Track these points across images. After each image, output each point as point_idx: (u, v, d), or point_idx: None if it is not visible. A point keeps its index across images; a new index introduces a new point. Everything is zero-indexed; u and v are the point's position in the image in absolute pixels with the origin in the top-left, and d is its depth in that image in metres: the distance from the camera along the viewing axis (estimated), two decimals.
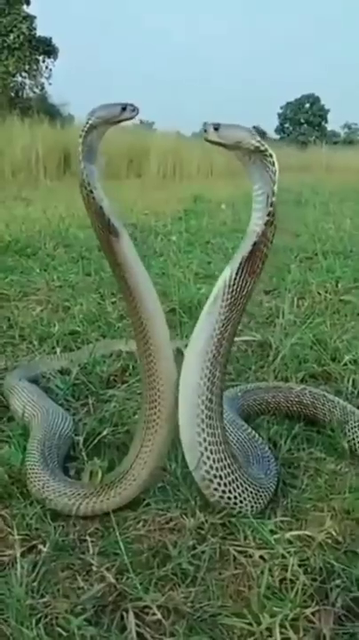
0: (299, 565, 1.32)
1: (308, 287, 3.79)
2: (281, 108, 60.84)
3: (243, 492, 1.49)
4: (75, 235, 5.69)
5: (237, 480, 1.49)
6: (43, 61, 30.94)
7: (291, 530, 1.46)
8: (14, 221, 6.19)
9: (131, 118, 1.46)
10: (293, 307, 3.32)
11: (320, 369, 2.49)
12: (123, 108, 1.43)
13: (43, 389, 2.21)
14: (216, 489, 1.47)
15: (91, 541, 1.43)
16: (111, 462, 1.67)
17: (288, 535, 1.43)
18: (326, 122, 59.63)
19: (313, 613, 1.21)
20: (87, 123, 1.43)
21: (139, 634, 1.18)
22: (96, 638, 1.15)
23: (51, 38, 30.79)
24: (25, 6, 29.83)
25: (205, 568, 1.34)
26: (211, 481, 1.47)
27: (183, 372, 1.49)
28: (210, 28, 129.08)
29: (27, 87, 31.16)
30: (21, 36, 28.90)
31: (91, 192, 1.44)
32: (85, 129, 1.44)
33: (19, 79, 30.84)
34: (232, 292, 1.46)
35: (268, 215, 1.44)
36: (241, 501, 1.49)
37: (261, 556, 1.37)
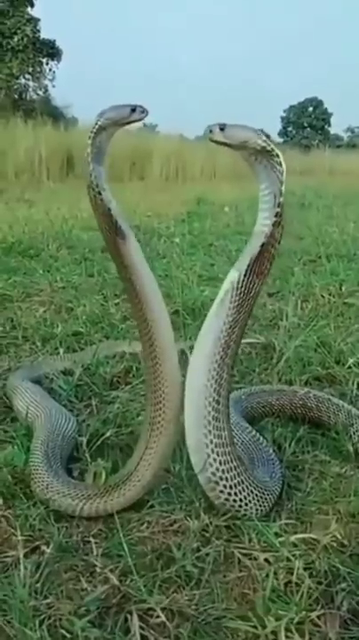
0: (305, 569, 1.31)
1: (312, 290, 3.79)
2: (284, 111, 60.94)
3: (248, 494, 1.48)
4: (79, 236, 5.69)
5: (243, 483, 1.48)
6: (47, 64, 31.05)
7: (296, 533, 1.45)
8: (17, 223, 6.20)
9: (140, 120, 1.45)
10: (297, 309, 3.32)
11: (324, 371, 2.48)
12: (133, 110, 1.43)
13: (46, 390, 2.20)
14: (221, 491, 1.46)
15: (95, 543, 1.42)
16: (115, 463, 1.66)
17: (293, 538, 1.42)
18: (329, 125, 59.68)
19: (318, 617, 1.20)
20: (96, 124, 1.42)
21: (142, 636, 1.17)
22: None
23: (54, 41, 30.91)
24: (29, 8, 29.93)
25: (210, 570, 1.33)
26: (216, 483, 1.46)
27: (189, 374, 1.48)
28: (213, 31, 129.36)
29: (30, 89, 31.28)
30: (25, 39, 28.97)
31: (100, 193, 1.43)
32: (94, 130, 1.43)
33: (23, 81, 30.95)
34: (240, 293, 1.45)
35: (276, 216, 1.43)
36: (246, 504, 1.48)
37: (266, 559, 1.36)
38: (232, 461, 1.46)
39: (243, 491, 1.48)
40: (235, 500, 1.47)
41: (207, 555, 1.37)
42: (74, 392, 2.24)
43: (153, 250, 5.08)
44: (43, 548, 1.40)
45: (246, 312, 1.47)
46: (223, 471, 1.45)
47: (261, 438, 1.80)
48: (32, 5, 30.03)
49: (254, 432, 1.82)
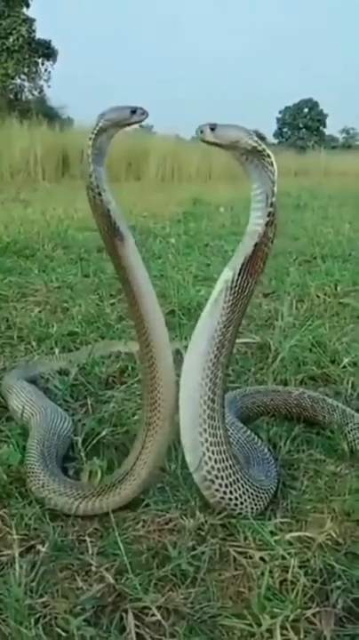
0: (300, 567, 1.31)
1: (307, 290, 3.79)
2: (279, 112, 61.05)
3: (243, 493, 1.48)
4: (74, 236, 5.69)
5: (238, 481, 1.48)
6: (43, 64, 31.05)
7: (291, 531, 1.46)
8: (13, 223, 6.19)
9: (140, 121, 1.46)
10: (292, 309, 3.32)
11: (319, 371, 2.48)
12: (133, 111, 1.43)
13: (41, 390, 2.20)
14: (217, 490, 1.46)
15: (91, 542, 1.42)
16: (110, 462, 1.66)
17: (288, 536, 1.42)
18: (325, 126, 59.84)
19: (314, 615, 1.20)
20: (97, 125, 1.42)
21: (138, 635, 1.17)
22: (95, 639, 1.14)
23: (50, 41, 30.90)
24: (24, 9, 29.91)
25: (205, 569, 1.33)
26: (212, 482, 1.46)
27: (184, 373, 1.49)
28: (209, 32, 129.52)
29: (26, 90, 31.27)
30: (21, 39, 28.96)
31: (100, 194, 1.43)
32: (95, 131, 1.43)
33: (19, 81, 30.92)
34: (234, 292, 1.46)
35: (269, 215, 1.43)
36: (241, 502, 1.48)
37: (261, 558, 1.36)
38: (227, 460, 1.46)
39: (239, 489, 1.48)
40: (230, 499, 1.47)
41: (202, 553, 1.37)
42: (69, 392, 2.24)
43: (149, 250, 5.08)
44: (39, 546, 1.40)
45: (240, 311, 1.47)
46: (218, 470, 1.46)
47: (256, 438, 1.80)
48: (27, 6, 30.03)
49: (249, 432, 1.82)
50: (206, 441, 1.45)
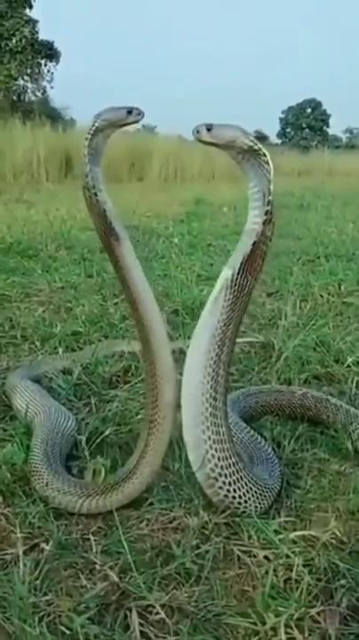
0: (304, 565, 1.31)
1: (311, 289, 3.79)
2: (282, 112, 61.02)
3: (247, 491, 1.48)
4: (77, 237, 5.69)
5: (242, 479, 1.48)
6: (45, 65, 31.04)
7: (295, 530, 1.45)
8: (16, 223, 6.20)
9: (136, 122, 1.47)
10: (296, 309, 3.32)
11: (323, 370, 2.48)
12: (129, 112, 1.44)
13: (45, 389, 2.20)
14: (221, 487, 1.46)
15: (95, 540, 1.42)
16: (114, 461, 1.66)
17: (292, 535, 1.42)
18: (328, 126, 59.79)
19: (318, 613, 1.20)
20: (93, 125, 1.43)
21: (142, 633, 1.17)
22: (99, 637, 1.14)
23: (53, 42, 30.91)
24: (27, 10, 29.93)
25: (209, 567, 1.33)
26: (215, 479, 1.46)
27: (186, 371, 1.49)
28: (212, 34, 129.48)
29: (29, 91, 31.29)
30: (24, 40, 28.98)
31: (96, 194, 1.44)
32: (91, 132, 1.44)
33: (22, 83, 30.95)
34: (234, 291, 1.46)
35: (266, 214, 1.44)
36: (245, 501, 1.48)
37: (266, 556, 1.36)
38: (231, 457, 1.46)
39: (243, 487, 1.48)
40: (234, 497, 1.47)
41: (206, 552, 1.37)
42: (73, 391, 2.24)
43: (152, 250, 5.08)
44: (43, 545, 1.40)
45: (240, 309, 1.48)
46: (222, 467, 1.46)
47: (260, 438, 1.80)
48: (30, 7, 30.05)
49: (253, 432, 1.82)
50: (209, 438, 1.45)
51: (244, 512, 1.48)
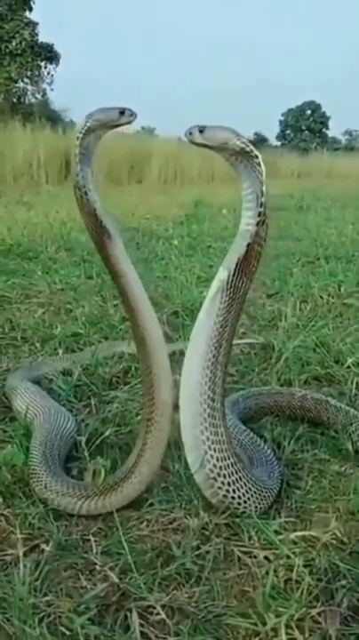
0: (305, 566, 1.31)
1: (311, 291, 3.79)
2: (282, 114, 61.14)
3: (247, 491, 1.48)
4: (77, 238, 5.69)
5: (241, 480, 1.48)
6: (45, 67, 31.08)
7: (295, 530, 1.45)
8: (16, 225, 6.20)
9: (128, 123, 1.46)
10: (296, 310, 3.32)
11: (323, 371, 2.48)
12: (121, 112, 1.44)
13: (45, 390, 2.20)
14: (219, 487, 1.46)
15: (95, 541, 1.42)
16: (114, 462, 1.66)
17: (293, 536, 1.42)
18: (327, 128, 59.91)
19: (319, 614, 1.20)
20: (85, 125, 1.44)
21: (142, 634, 1.16)
22: (100, 638, 1.14)
23: (53, 44, 30.95)
24: (27, 12, 29.99)
25: (209, 568, 1.33)
26: (214, 479, 1.46)
27: (184, 373, 1.49)
28: (212, 36, 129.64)
29: (29, 93, 31.32)
30: (23, 43, 29.02)
31: (86, 194, 1.45)
32: (82, 132, 1.44)
33: (22, 85, 30.99)
34: (229, 293, 1.46)
35: (259, 215, 1.44)
36: (244, 501, 1.48)
37: (266, 557, 1.36)
38: (230, 458, 1.46)
39: (242, 487, 1.48)
40: (233, 497, 1.47)
41: (207, 552, 1.37)
42: (73, 392, 2.24)
43: (151, 252, 5.08)
44: (43, 546, 1.40)
45: (236, 311, 1.48)
46: (221, 467, 1.45)
47: (259, 440, 1.80)
48: (30, 9, 30.11)
49: (252, 434, 1.82)
50: (207, 439, 1.45)
51: (244, 512, 1.48)
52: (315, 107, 59.21)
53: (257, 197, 1.43)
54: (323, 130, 59.50)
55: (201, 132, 1.39)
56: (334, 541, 1.41)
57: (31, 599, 1.21)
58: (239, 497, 1.47)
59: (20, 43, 28.95)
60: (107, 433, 1.86)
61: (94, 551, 1.39)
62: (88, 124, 1.43)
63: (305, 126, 58.89)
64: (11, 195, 10.15)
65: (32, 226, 6.28)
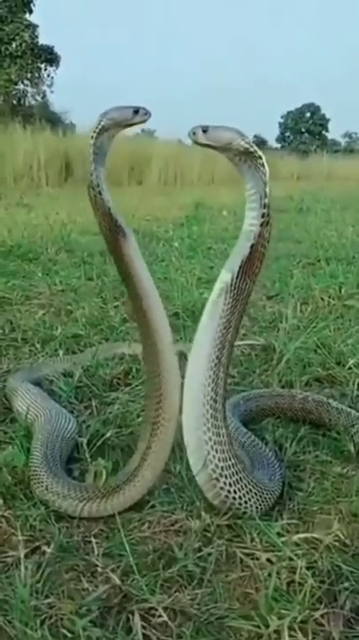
0: (307, 568, 1.30)
1: (311, 292, 3.78)
2: (281, 117, 61.20)
3: (248, 492, 1.47)
4: (77, 240, 5.69)
5: (242, 480, 1.47)
6: (45, 69, 31.11)
7: (298, 532, 1.44)
8: (16, 227, 6.20)
9: (142, 122, 1.44)
10: (297, 311, 3.32)
11: (325, 373, 2.47)
12: (136, 111, 1.42)
13: (46, 392, 2.19)
14: (222, 488, 1.45)
15: (96, 543, 1.41)
16: (115, 463, 1.65)
17: (295, 538, 1.41)
18: (327, 131, 59.97)
19: (322, 616, 1.19)
20: (99, 124, 1.41)
21: (145, 636, 1.16)
22: (102, 639, 1.13)
23: (53, 47, 31.00)
24: (27, 15, 30.02)
25: (212, 570, 1.32)
26: (217, 480, 1.45)
27: (188, 374, 1.49)
28: (211, 36, 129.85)
29: (29, 95, 31.34)
30: (24, 45, 29.05)
31: (100, 193, 1.43)
32: (96, 131, 1.42)
33: (22, 87, 31.00)
34: (233, 294, 1.46)
35: (263, 216, 1.43)
36: (246, 502, 1.47)
37: (268, 559, 1.35)
38: (230, 459, 1.46)
39: (243, 488, 1.47)
40: (234, 498, 1.46)
41: (209, 554, 1.36)
42: (74, 393, 2.24)
43: (152, 253, 5.08)
44: (44, 548, 1.39)
45: (239, 312, 1.48)
46: (222, 468, 1.45)
47: (261, 443, 1.80)
48: (30, 12, 30.15)
49: (254, 437, 1.81)
50: (210, 439, 1.44)
51: (245, 512, 1.47)
52: (314, 109, 59.28)
53: (260, 198, 1.42)
54: (323, 132, 59.57)
55: (204, 131, 1.38)
56: (337, 543, 1.41)
57: (32, 601, 1.20)
58: (240, 497, 1.47)
59: (21, 45, 28.98)
60: (108, 434, 1.85)
61: (96, 553, 1.38)
62: (102, 123, 1.41)
63: (304, 128, 58.96)
64: (11, 196, 10.15)
65: (32, 227, 6.29)
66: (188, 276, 4.10)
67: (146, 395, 1.55)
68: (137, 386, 2.30)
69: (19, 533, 1.42)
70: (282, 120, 60.92)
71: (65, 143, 15.08)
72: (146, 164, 15.86)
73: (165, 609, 1.21)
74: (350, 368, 2.49)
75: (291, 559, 1.33)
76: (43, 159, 13.90)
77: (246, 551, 1.38)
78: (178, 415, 1.50)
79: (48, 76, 31.32)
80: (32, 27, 29.77)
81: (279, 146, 55.33)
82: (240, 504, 1.47)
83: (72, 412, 2.05)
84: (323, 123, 59.27)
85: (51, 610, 1.20)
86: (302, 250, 5.44)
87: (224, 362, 1.46)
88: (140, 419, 2.01)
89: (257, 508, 1.49)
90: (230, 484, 1.46)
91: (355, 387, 2.34)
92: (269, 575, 1.28)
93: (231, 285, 1.45)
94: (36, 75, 30.60)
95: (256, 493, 1.49)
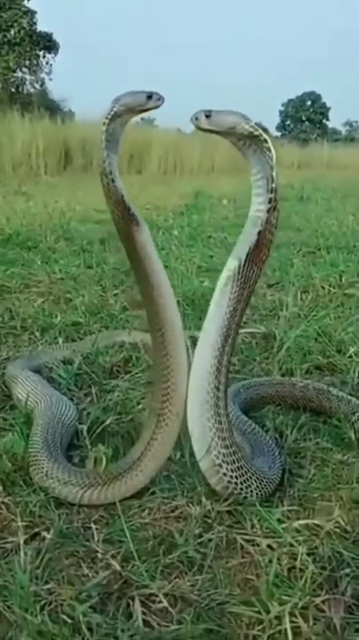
0: (308, 554, 1.30)
1: (312, 281, 3.77)
2: (282, 105, 60.76)
3: (249, 477, 1.47)
4: (77, 228, 5.67)
5: (243, 468, 1.47)
6: (44, 57, 30.82)
7: (298, 519, 1.44)
8: (15, 215, 6.17)
9: (156, 107, 1.41)
10: (297, 300, 3.31)
11: (325, 361, 2.46)
12: (149, 97, 1.39)
13: (45, 379, 2.18)
14: (225, 474, 1.45)
15: (96, 529, 1.41)
16: (115, 450, 1.65)
17: (296, 524, 1.41)
18: (327, 119, 59.54)
19: (323, 602, 1.19)
20: (111, 110, 1.38)
21: (145, 621, 1.15)
22: (102, 626, 1.13)
23: (51, 33, 30.67)
24: (25, 1, 29.70)
25: (212, 556, 1.32)
26: (220, 466, 1.45)
27: (194, 362, 1.48)
28: (209, 24, 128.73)
29: (27, 83, 31.06)
30: (22, 32, 28.76)
31: (113, 181, 1.40)
32: (109, 117, 1.38)
33: (20, 75, 30.72)
34: (240, 282, 1.44)
35: (270, 202, 1.41)
36: (248, 487, 1.47)
37: (269, 545, 1.35)
38: (231, 446, 1.46)
39: (245, 474, 1.47)
40: (236, 483, 1.46)
41: (209, 540, 1.36)
42: (73, 381, 2.23)
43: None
44: (44, 534, 1.39)
45: (245, 300, 1.47)
46: (224, 455, 1.45)
47: (261, 430, 1.79)
48: None
49: (254, 425, 1.81)
50: (213, 426, 1.44)
51: (246, 497, 1.47)
52: (315, 97, 58.86)
53: (267, 182, 1.40)
54: (323, 120, 59.17)
55: (207, 116, 1.35)
56: (337, 530, 1.41)
57: (32, 587, 1.20)
58: (242, 482, 1.46)
59: (19, 32, 28.69)
60: (108, 421, 1.85)
61: (96, 539, 1.37)
62: (115, 109, 1.37)
63: (305, 117, 58.55)
64: (9, 185, 10.10)
65: (31, 216, 6.26)
66: (188, 264, 4.08)
67: (153, 384, 1.54)
68: (137, 373, 2.29)
69: (19, 519, 1.42)
70: (282, 108, 60.55)
71: (64, 131, 14.99)
72: (145, 153, 15.78)
73: (166, 595, 1.21)
74: (351, 356, 2.49)
75: (291, 545, 1.33)
76: (42, 147, 13.82)
77: (247, 537, 1.38)
78: (184, 408, 1.49)
79: (47, 63, 31.05)
80: (30, 13, 29.46)
81: (279, 134, 55.00)
82: (241, 489, 1.47)
83: (72, 400, 2.04)
84: (323, 111, 58.86)
85: (51, 596, 1.19)
86: (303, 238, 5.42)
87: (228, 350, 1.46)
88: (141, 405, 2.00)
89: (256, 494, 1.48)
90: (232, 470, 1.45)
91: (356, 374, 2.33)
92: (270, 561, 1.28)
93: (238, 273, 1.43)
94: (35, 62, 30.32)
95: (257, 479, 1.49)
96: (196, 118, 1.36)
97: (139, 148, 15.54)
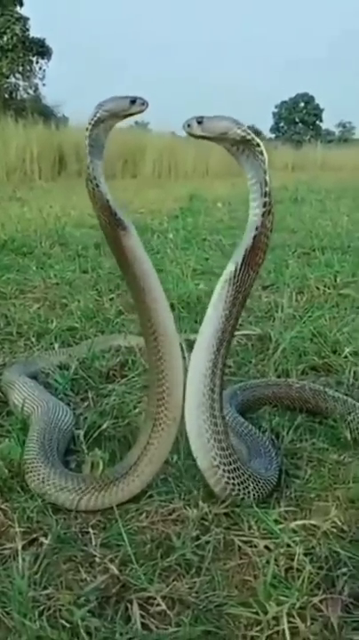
0: (305, 554, 1.30)
1: (307, 282, 3.78)
2: (275, 107, 60.92)
3: (246, 479, 1.48)
4: (72, 233, 5.68)
5: (240, 469, 1.48)
6: (37, 62, 30.84)
7: (295, 519, 1.45)
8: (9, 221, 6.18)
9: (140, 112, 1.41)
10: (292, 301, 3.32)
11: (321, 361, 2.47)
12: (132, 101, 1.39)
13: (42, 384, 2.18)
14: (222, 475, 1.46)
15: (94, 533, 1.41)
16: (112, 454, 1.66)
17: (293, 525, 1.42)
18: (321, 121, 59.71)
19: (320, 602, 1.19)
20: (94, 116, 1.38)
21: (143, 625, 1.16)
22: (100, 630, 1.13)
23: (44, 39, 30.71)
24: (18, 7, 29.74)
25: (210, 558, 1.32)
26: (218, 467, 1.45)
27: (191, 364, 1.49)
28: (203, 26, 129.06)
29: (20, 88, 31.08)
30: (15, 38, 28.79)
31: (97, 186, 1.41)
32: (92, 122, 1.38)
33: (13, 80, 30.73)
34: (235, 286, 1.45)
35: (264, 205, 1.42)
36: (245, 487, 1.47)
37: (266, 546, 1.36)
38: (228, 448, 1.47)
39: (242, 475, 1.47)
40: (234, 484, 1.46)
41: (207, 543, 1.37)
42: (70, 385, 2.23)
43: (147, 245, 5.04)
44: (42, 539, 1.39)
45: (241, 303, 1.47)
46: (221, 456, 1.45)
47: (257, 432, 1.80)
48: (21, 4, 29.85)
49: (251, 426, 1.81)
50: (209, 428, 1.45)
51: (243, 499, 1.47)
52: (308, 99, 59.01)
53: (261, 187, 1.41)
54: (317, 122, 59.34)
55: (199, 122, 1.36)
56: (334, 530, 1.41)
57: (30, 592, 1.20)
58: (239, 484, 1.47)
59: (12, 38, 28.72)
60: (104, 426, 1.85)
61: (94, 543, 1.38)
62: (98, 115, 1.38)
63: (298, 118, 58.70)
64: (4, 191, 10.10)
65: (26, 221, 6.26)
66: (183, 267, 4.09)
67: (149, 388, 1.54)
68: (133, 377, 2.29)
69: (17, 525, 1.42)
70: (276, 110, 60.70)
71: (58, 136, 14.99)
72: (140, 157, 15.81)
73: (164, 598, 1.21)
74: (346, 356, 2.50)
75: (288, 546, 1.33)
76: (36, 153, 13.83)
77: (244, 539, 1.39)
78: (182, 413, 1.49)
79: (40, 69, 31.08)
80: (23, 19, 29.50)
81: (273, 136, 55.14)
82: (239, 490, 1.47)
83: (68, 405, 2.04)
84: (316, 113, 59.02)
85: (50, 601, 1.20)
86: (297, 240, 5.44)
87: (223, 352, 1.47)
88: (137, 410, 2.01)
89: (254, 495, 1.49)
90: (229, 472, 1.46)
91: (351, 375, 2.34)
92: (267, 562, 1.28)
93: (234, 277, 1.44)
94: (28, 68, 30.35)
95: (254, 480, 1.50)
96: (189, 125, 1.37)
97: (133, 151, 15.57)
